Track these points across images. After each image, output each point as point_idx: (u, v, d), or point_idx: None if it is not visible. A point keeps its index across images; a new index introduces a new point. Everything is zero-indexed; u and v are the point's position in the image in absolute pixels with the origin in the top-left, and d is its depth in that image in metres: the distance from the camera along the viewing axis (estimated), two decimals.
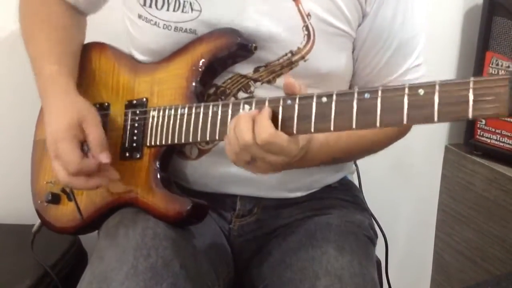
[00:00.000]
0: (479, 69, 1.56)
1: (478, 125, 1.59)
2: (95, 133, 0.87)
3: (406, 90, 0.63)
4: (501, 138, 1.55)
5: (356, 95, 0.67)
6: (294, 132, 0.72)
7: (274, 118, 0.73)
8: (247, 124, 0.72)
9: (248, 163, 0.76)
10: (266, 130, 0.71)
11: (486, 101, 0.59)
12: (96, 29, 1.10)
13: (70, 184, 0.88)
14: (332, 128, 0.69)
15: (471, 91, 0.59)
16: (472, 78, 0.60)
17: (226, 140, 0.76)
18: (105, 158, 0.86)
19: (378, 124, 0.65)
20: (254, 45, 0.86)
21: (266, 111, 0.72)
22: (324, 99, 0.70)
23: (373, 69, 0.95)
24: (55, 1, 1.02)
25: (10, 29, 1.30)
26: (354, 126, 0.67)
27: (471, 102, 0.59)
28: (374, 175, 1.32)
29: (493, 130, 1.56)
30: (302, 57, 0.89)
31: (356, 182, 1.16)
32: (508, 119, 1.52)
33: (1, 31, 1.32)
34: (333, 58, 0.92)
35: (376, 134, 0.94)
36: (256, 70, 0.91)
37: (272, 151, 0.72)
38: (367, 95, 0.66)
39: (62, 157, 0.86)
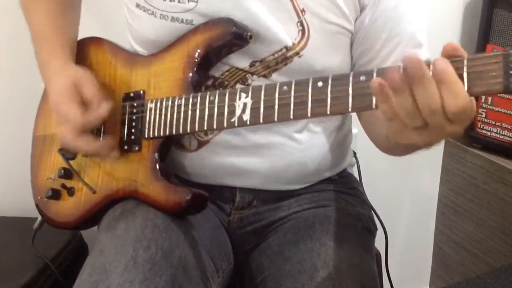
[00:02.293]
0: None
1: (478, 118, 1.59)
2: (89, 89, 0.90)
3: (401, 70, 0.63)
4: (501, 131, 1.55)
5: (351, 78, 0.67)
6: (291, 118, 0.72)
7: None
8: (434, 86, 0.60)
9: (416, 129, 0.64)
10: (462, 94, 0.60)
11: (480, 78, 0.59)
12: (94, 21, 1.11)
13: (75, 146, 0.90)
14: (328, 112, 0.69)
15: (465, 68, 0.60)
16: (466, 56, 0.60)
17: (387, 104, 0.63)
18: (103, 108, 0.89)
19: (373, 106, 0.66)
20: (249, 34, 0.86)
21: (452, 70, 0.60)
22: (320, 84, 0.70)
23: (382, 62, 0.91)
24: None
25: (7, 26, 1.30)
26: (350, 109, 0.68)
27: (465, 80, 0.60)
28: (374, 168, 1.32)
29: (493, 123, 1.56)
30: (297, 53, 0.88)
31: (356, 175, 1.16)
32: (509, 111, 1.52)
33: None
34: (329, 55, 0.91)
35: None
36: (252, 64, 0.90)
37: (456, 120, 0.62)
38: (362, 78, 0.67)
39: (66, 117, 0.89)
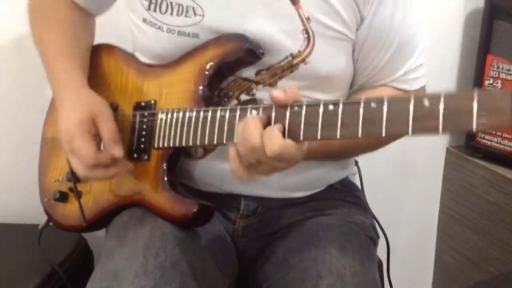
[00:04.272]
0: (480, 72, 1.57)
1: None
2: (107, 128, 0.90)
3: (412, 101, 0.64)
4: (501, 141, 1.56)
5: (362, 104, 0.68)
6: (301, 139, 0.73)
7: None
8: (257, 128, 0.73)
9: (252, 166, 0.76)
10: (276, 141, 0.72)
11: (490, 114, 0.60)
12: (102, 31, 1.13)
13: (89, 176, 0.91)
14: (338, 136, 0.70)
15: (475, 103, 0.60)
16: (476, 91, 0.61)
17: (231, 144, 0.77)
18: (117, 151, 0.89)
19: (383, 133, 0.66)
20: (261, 51, 0.88)
21: (277, 126, 0.73)
22: (331, 107, 0.70)
23: (373, 69, 0.96)
24: (64, 1, 1.04)
25: (16, 31, 1.32)
26: (360, 135, 0.68)
27: (475, 115, 0.60)
28: (376, 177, 1.33)
29: (494, 132, 1.57)
30: (303, 60, 0.90)
31: (358, 183, 1.18)
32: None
33: (8, 34, 1.34)
34: (333, 60, 0.93)
35: None
36: (258, 73, 0.92)
37: (280, 160, 0.73)
38: (373, 105, 0.67)
39: (78, 152, 0.89)
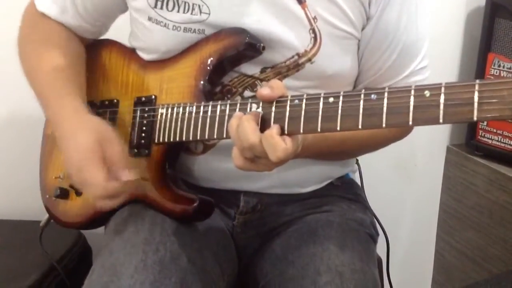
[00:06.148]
0: (481, 70, 1.57)
1: (480, 126, 1.60)
2: (113, 152, 0.85)
3: (412, 92, 0.64)
4: (502, 139, 1.56)
5: (362, 96, 0.68)
6: (301, 132, 0.73)
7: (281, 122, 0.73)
8: (252, 128, 0.72)
9: (251, 161, 0.76)
10: (279, 148, 0.71)
11: (490, 103, 0.60)
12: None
13: (104, 207, 0.87)
14: (338, 128, 0.69)
15: (476, 93, 0.60)
16: (477, 81, 0.61)
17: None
18: (126, 175, 0.83)
19: (384, 125, 0.66)
20: (262, 45, 0.87)
21: (275, 130, 0.72)
22: (331, 99, 0.70)
23: (378, 70, 0.96)
24: (58, 29, 1.01)
25: (14, 29, 1.32)
26: (360, 126, 0.68)
27: (476, 104, 0.60)
28: (376, 174, 1.34)
29: (495, 131, 1.57)
30: (309, 59, 0.90)
31: (358, 181, 1.18)
32: (510, 120, 1.53)
33: (6, 33, 1.34)
34: (339, 60, 0.93)
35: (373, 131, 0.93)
36: (263, 70, 0.92)
37: (279, 162, 0.73)
38: (373, 96, 0.67)
39: (88, 185, 0.84)
